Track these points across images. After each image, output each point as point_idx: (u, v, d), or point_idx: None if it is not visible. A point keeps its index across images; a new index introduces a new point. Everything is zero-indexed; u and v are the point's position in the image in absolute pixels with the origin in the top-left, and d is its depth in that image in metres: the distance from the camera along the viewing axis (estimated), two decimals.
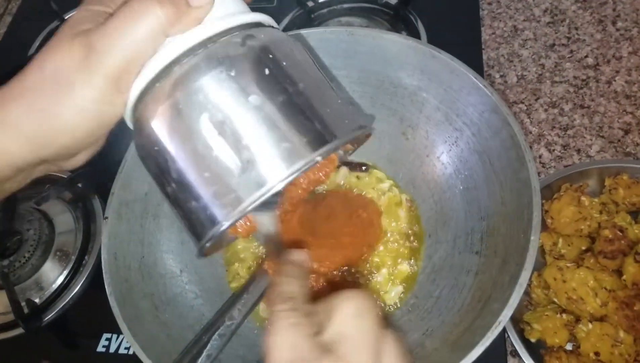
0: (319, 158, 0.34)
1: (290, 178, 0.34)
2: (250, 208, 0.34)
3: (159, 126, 0.36)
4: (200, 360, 0.51)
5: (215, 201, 0.35)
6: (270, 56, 0.36)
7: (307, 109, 0.36)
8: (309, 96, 0.36)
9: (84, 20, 0.37)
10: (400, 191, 0.73)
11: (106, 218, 0.59)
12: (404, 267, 0.67)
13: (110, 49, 0.35)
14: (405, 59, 0.64)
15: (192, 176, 0.35)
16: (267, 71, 0.35)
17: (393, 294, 0.66)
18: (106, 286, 0.55)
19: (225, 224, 0.35)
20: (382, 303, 0.66)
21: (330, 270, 0.65)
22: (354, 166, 0.73)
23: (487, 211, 0.60)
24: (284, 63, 0.36)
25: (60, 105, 0.36)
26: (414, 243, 0.69)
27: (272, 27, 0.40)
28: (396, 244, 0.68)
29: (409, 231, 0.69)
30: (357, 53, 0.67)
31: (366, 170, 0.73)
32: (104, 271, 0.56)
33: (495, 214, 0.58)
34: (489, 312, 0.50)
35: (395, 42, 0.63)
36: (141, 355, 0.51)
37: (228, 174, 0.34)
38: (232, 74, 0.35)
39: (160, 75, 0.36)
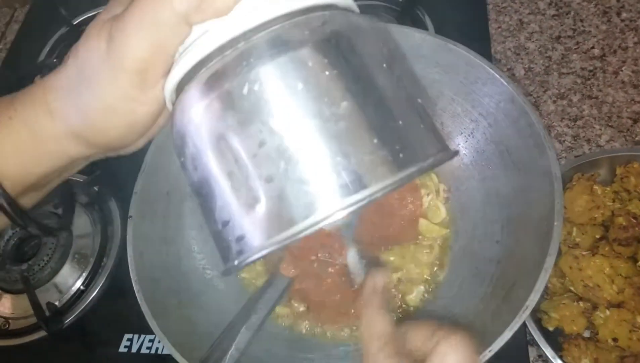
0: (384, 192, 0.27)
1: (351, 209, 0.27)
2: (300, 235, 0.27)
3: (200, 126, 0.30)
4: (230, 352, 0.52)
5: (261, 224, 0.28)
6: (355, 46, 0.29)
7: (400, 120, 0.29)
8: (399, 103, 0.30)
9: (119, 2, 0.34)
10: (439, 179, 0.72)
11: (130, 216, 0.59)
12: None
13: (127, 39, 0.31)
14: (420, 52, 0.64)
15: (228, 191, 0.29)
16: (350, 68, 0.29)
17: (415, 294, 0.66)
18: (134, 284, 0.56)
19: (261, 253, 0.28)
20: (404, 304, 0.66)
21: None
22: None
23: (506, 200, 0.60)
24: (372, 58, 0.30)
25: (92, 102, 0.34)
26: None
27: (353, 11, 0.33)
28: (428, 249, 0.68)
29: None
30: None
31: None
32: (130, 269, 0.57)
33: (516, 203, 0.59)
34: (514, 298, 0.51)
35: (409, 36, 0.63)
36: (172, 351, 0.52)
37: (281, 195, 0.27)
38: (309, 64, 0.28)
39: (207, 60, 0.30)
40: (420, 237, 0.68)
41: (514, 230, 0.58)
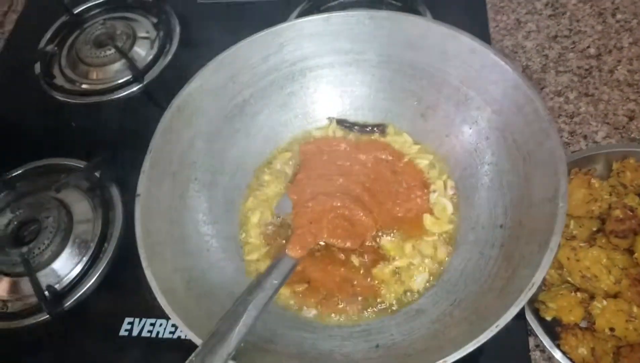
0: None
1: None
2: None
3: None
4: (237, 328, 0.52)
5: None
6: None
7: None
8: None
9: None
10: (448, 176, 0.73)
11: (138, 195, 0.60)
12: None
13: None
14: (426, 41, 0.66)
15: None
16: None
17: (419, 280, 0.67)
18: (142, 261, 0.56)
19: None
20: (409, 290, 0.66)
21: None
22: (371, 129, 0.75)
23: (510, 185, 0.61)
24: None
25: None
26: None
27: None
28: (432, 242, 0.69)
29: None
30: (377, 36, 0.69)
31: (383, 130, 0.74)
32: (139, 246, 0.57)
33: (519, 187, 0.60)
34: (518, 278, 0.52)
35: (415, 24, 0.65)
36: (181, 325, 0.52)
37: None
38: None
39: None
40: (425, 231, 0.69)
41: (518, 214, 0.59)
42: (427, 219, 0.70)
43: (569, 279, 0.69)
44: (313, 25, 0.73)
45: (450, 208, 0.70)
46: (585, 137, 0.86)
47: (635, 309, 0.65)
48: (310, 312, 0.64)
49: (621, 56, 0.93)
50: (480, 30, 0.96)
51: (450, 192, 0.71)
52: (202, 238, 0.66)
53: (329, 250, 0.68)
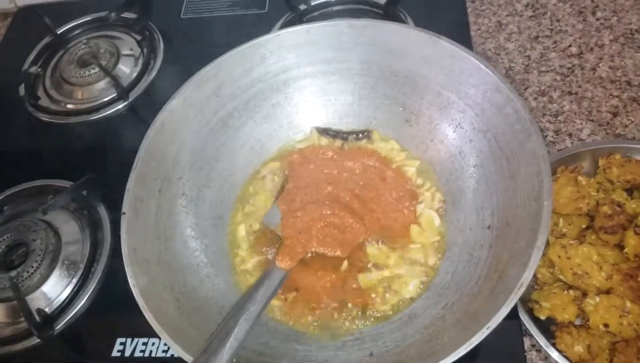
0: None
1: None
2: None
3: None
4: (229, 342, 0.52)
5: None
6: None
7: None
8: None
9: None
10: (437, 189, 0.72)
11: (124, 213, 0.59)
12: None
13: None
14: (406, 47, 0.66)
15: None
16: None
17: (411, 287, 0.66)
18: (129, 279, 0.55)
19: None
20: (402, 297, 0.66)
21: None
22: (356, 136, 0.75)
23: (495, 186, 0.61)
24: None
25: None
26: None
27: None
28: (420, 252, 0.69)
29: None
30: (358, 45, 0.69)
31: (368, 136, 0.74)
32: (125, 264, 0.56)
33: (505, 188, 0.60)
34: (507, 278, 0.52)
35: (395, 31, 0.65)
36: (172, 344, 0.51)
37: None
38: None
39: None
40: (411, 241, 0.69)
41: (504, 214, 0.59)
42: (414, 230, 0.70)
43: (561, 277, 0.69)
44: (295, 36, 0.73)
45: (437, 221, 0.69)
46: (570, 135, 0.86)
47: (628, 304, 0.65)
48: (302, 324, 0.64)
49: (603, 54, 0.94)
50: (461, 34, 0.96)
51: (437, 204, 0.71)
52: (192, 253, 0.66)
53: (318, 256, 0.67)
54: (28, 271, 0.78)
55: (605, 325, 0.65)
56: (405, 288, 0.66)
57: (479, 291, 0.56)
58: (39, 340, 0.74)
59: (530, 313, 0.67)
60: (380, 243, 0.69)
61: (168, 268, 0.62)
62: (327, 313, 0.64)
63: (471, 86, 0.63)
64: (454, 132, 0.68)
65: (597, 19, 0.99)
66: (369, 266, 0.67)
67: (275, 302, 0.65)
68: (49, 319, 0.75)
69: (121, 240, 0.58)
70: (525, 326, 0.65)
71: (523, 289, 0.48)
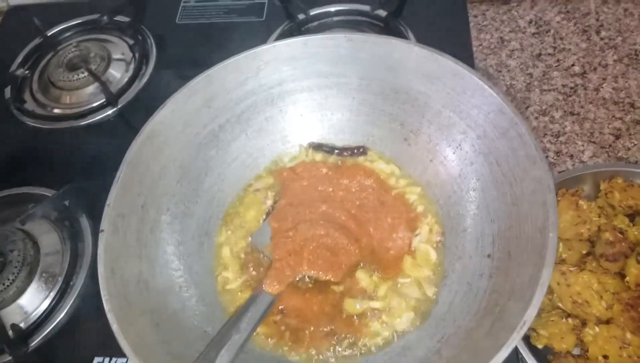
0: None
1: None
2: None
3: None
4: None
5: None
6: None
7: None
8: None
9: None
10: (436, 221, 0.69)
11: (102, 230, 0.56)
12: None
13: None
14: (407, 64, 0.63)
15: None
16: None
17: (404, 319, 0.63)
18: (104, 303, 0.52)
19: None
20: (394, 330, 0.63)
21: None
22: (351, 152, 0.72)
23: (497, 213, 0.59)
24: None
25: None
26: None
27: None
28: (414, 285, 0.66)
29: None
30: (357, 59, 0.67)
31: (364, 152, 0.72)
32: (101, 287, 0.53)
33: (507, 215, 0.57)
34: (509, 314, 0.49)
35: (396, 47, 0.62)
36: None
37: None
38: None
39: None
40: (402, 273, 0.66)
41: (506, 243, 0.57)
42: (408, 261, 0.66)
43: (560, 305, 0.67)
44: (291, 48, 0.70)
45: (433, 256, 0.66)
46: (571, 156, 0.84)
47: (628, 335, 0.63)
48: (290, 352, 0.61)
49: (606, 74, 0.92)
50: (463, 49, 0.94)
51: (436, 238, 0.67)
52: (174, 273, 0.63)
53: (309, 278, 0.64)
54: (4, 284, 0.74)
55: (605, 357, 0.62)
56: (398, 321, 0.63)
57: (477, 325, 0.53)
58: (10, 358, 0.70)
59: (527, 340, 0.65)
60: (373, 271, 0.66)
61: (148, 289, 0.58)
62: (316, 342, 0.61)
63: (473, 106, 0.60)
64: (454, 153, 0.65)
65: (602, 39, 0.96)
66: (356, 292, 0.64)
67: (261, 329, 0.62)
68: (24, 335, 0.71)
69: (98, 260, 0.54)
70: (521, 354, 0.63)
71: (525, 328, 0.46)
